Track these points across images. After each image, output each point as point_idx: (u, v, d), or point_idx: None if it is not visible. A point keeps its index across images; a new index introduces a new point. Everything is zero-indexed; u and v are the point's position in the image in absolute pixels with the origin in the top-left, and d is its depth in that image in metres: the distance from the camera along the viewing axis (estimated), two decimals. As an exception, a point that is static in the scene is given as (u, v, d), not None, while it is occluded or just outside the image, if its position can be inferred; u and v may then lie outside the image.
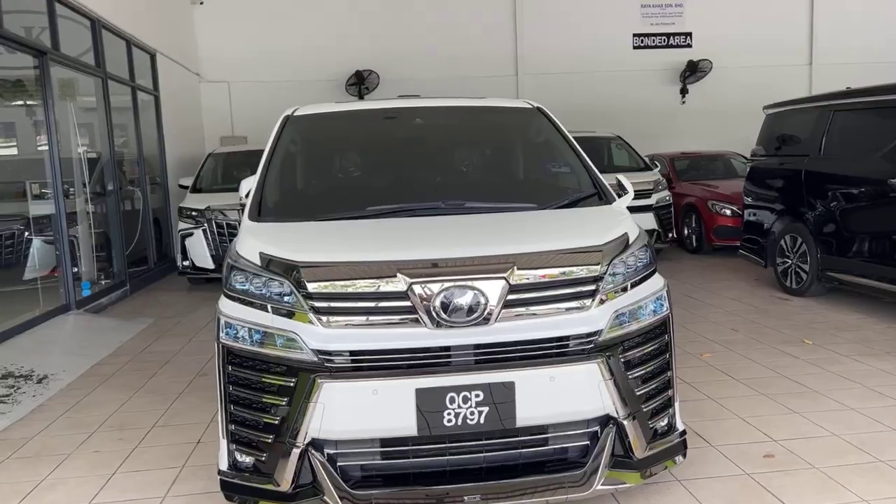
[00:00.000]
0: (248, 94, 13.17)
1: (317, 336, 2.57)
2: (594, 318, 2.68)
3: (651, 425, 2.83)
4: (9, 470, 3.51)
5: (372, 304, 2.58)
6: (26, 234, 8.69)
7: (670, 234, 9.66)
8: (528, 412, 2.60)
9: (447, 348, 2.59)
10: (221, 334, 2.73)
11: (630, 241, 2.90)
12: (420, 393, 2.54)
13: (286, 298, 2.63)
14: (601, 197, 3.42)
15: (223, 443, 2.75)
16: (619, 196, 3.50)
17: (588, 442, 2.71)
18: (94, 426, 4.06)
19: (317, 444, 2.58)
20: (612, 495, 2.96)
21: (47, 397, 4.62)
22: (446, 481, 2.62)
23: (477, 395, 2.56)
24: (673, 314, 2.98)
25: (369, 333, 2.57)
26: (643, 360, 2.81)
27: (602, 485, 2.67)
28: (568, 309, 2.67)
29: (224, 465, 2.74)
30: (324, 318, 2.57)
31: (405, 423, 2.55)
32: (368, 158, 3.86)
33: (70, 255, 8.30)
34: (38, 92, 7.99)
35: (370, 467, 2.64)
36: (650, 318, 2.85)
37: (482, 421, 2.58)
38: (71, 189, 8.37)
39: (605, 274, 2.73)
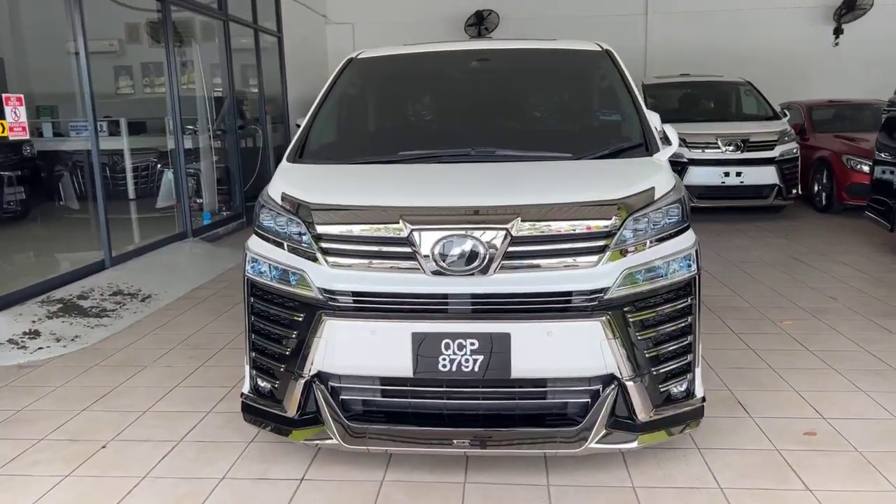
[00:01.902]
0: (372, 36, 13.36)
1: (323, 275, 2.68)
2: (600, 274, 2.60)
3: (662, 389, 2.73)
4: (94, 375, 3.98)
5: (375, 248, 2.65)
6: (158, 165, 9.54)
7: (794, 191, 8.92)
8: (523, 364, 2.59)
9: (445, 296, 2.62)
10: (247, 268, 2.92)
11: (657, 196, 2.75)
12: (416, 337, 2.60)
13: (299, 238, 2.75)
14: (648, 148, 3.23)
15: (247, 368, 2.96)
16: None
17: (589, 400, 2.67)
18: (174, 343, 4.49)
19: (322, 376, 2.72)
20: (622, 456, 2.89)
21: (145, 314, 5.15)
22: (444, 424, 2.69)
23: (472, 344, 2.59)
24: (701, 275, 2.82)
25: (371, 276, 2.65)
26: (659, 322, 2.70)
27: (597, 443, 2.63)
28: (573, 264, 2.60)
29: (246, 389, 2.97)
30: (330, 259, 2.67)
31: (401, 364, 2.63)
32: (415, 103, 3.87)
33: (195, 187, 9.04)
34: (180, 35, 8.64)
35: (371, 403, 2.76)
36: (672, 278, 2.71)
37: (476, 369, 2.60)
38: (196, 126, 9.04)
39: (618, 229, 2.62)
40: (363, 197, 2.77)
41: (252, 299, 2.89)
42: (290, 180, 3.00)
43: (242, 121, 10.20)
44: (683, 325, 2.76)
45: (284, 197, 2.86)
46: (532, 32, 9.73)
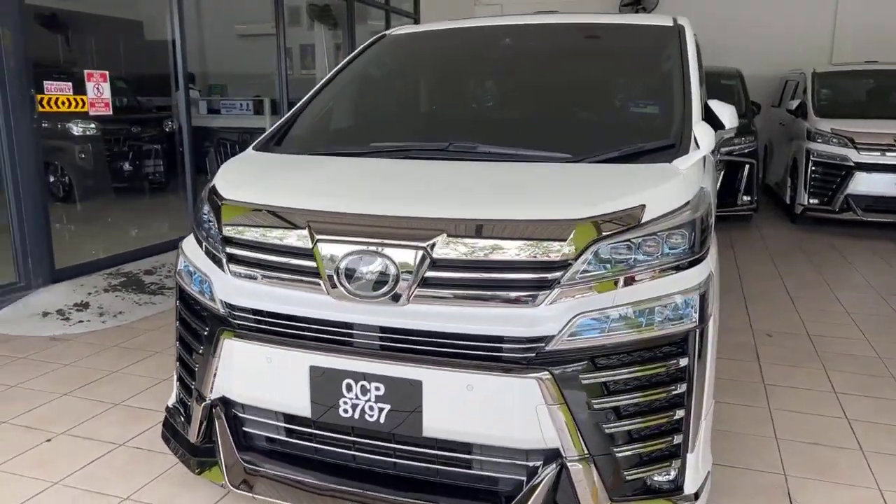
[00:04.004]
0: (520, 17, 12.76)
1: (225, 286, 2.29)
2: (543, 317, 1.96)
3: (630, 477, 2.04)
4: (105, 356, 3.92)
5: (277, 259, 2.20)
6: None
7: None
8: (437, 422, 2.04)
9: (349, 325, 2.12)
10: (179, 268, 2.61)
11: (650, 217, 2.03)
12: (314, 371, 2.13)
13: (212, 239, 2.38)
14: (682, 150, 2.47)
15: (175, 379, 2.66)
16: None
17: (525, 478, 2.05)
18: (160, 348, 4.09)
19: (228, 402, 2.35)
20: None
21: (160, 310, 4.87)
22: (350, 480, 2.20)
23: (377, 388, 2.07)
24: (708, 328, 2.07)
25: (272, 293, 2.21)
26: (630, 388, 2.01)
27: (525, 540, 2.00)
28: (508, 301, 1.98)
29: (170, 402, 2.67)
30: (233, 268, 2.27)
31: (299, 401, 2.18)
32: (423, 88, 3.33)
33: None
34: (326, 18, 8.69)
35: (276, 441, 2.33)
36: (655, 329, 2.00)
37: (382, 420, 2.09)
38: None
39: (575, 258, 1.96)
40: (278, 195, 2.31)
41: (179, 303, 2.58)
42: (230, 170, 2.63)
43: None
44: (671, 394, 2.03)
45: (213, 190, 2.50)
46: (700, 13, 8.79)
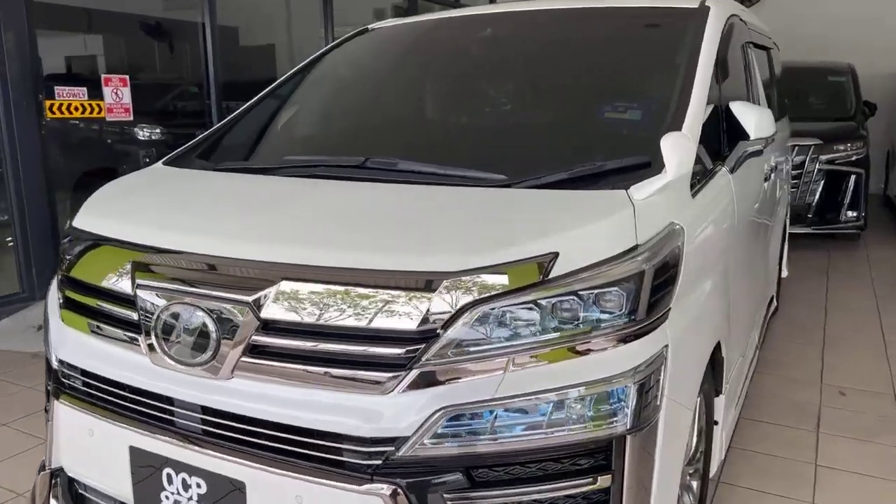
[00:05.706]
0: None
1: (59, 336, 1.88)
2: (391, 411, 1.40)
3: None
4: (3, 405, 3.42)
5: (102, 306, 1.75)
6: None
7: None
8: (265, 539, 1.52)
9: (169, 400, 1.63)
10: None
11: (560, 271, 1.42)
12: (135, 454, 1.67)
13: (58, 276, 1.97)
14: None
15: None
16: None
17: None
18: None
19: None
20: None
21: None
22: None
23: (199, 485, 1.59)
24: (657, 431, 1.43)
25: (98, 349, 1.76)
26: (524, 514, 1.40)
27: None
28: (350, 382, 1.43)
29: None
30: (65, 313, 1.85)
31: (122, 487, 1.73)
32: (373, 92, 2.77)
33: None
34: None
35: (119, 527, 1.89)
36: (564, 433, 1.39)
37: (205, 525, 1.59)
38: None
39: (443, 327, 1.38)
40: (116, 223, 1.84)
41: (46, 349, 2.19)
42: (106, 191, 2.19)
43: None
44: (587, 525, 1.41)
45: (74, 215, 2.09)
46: None
